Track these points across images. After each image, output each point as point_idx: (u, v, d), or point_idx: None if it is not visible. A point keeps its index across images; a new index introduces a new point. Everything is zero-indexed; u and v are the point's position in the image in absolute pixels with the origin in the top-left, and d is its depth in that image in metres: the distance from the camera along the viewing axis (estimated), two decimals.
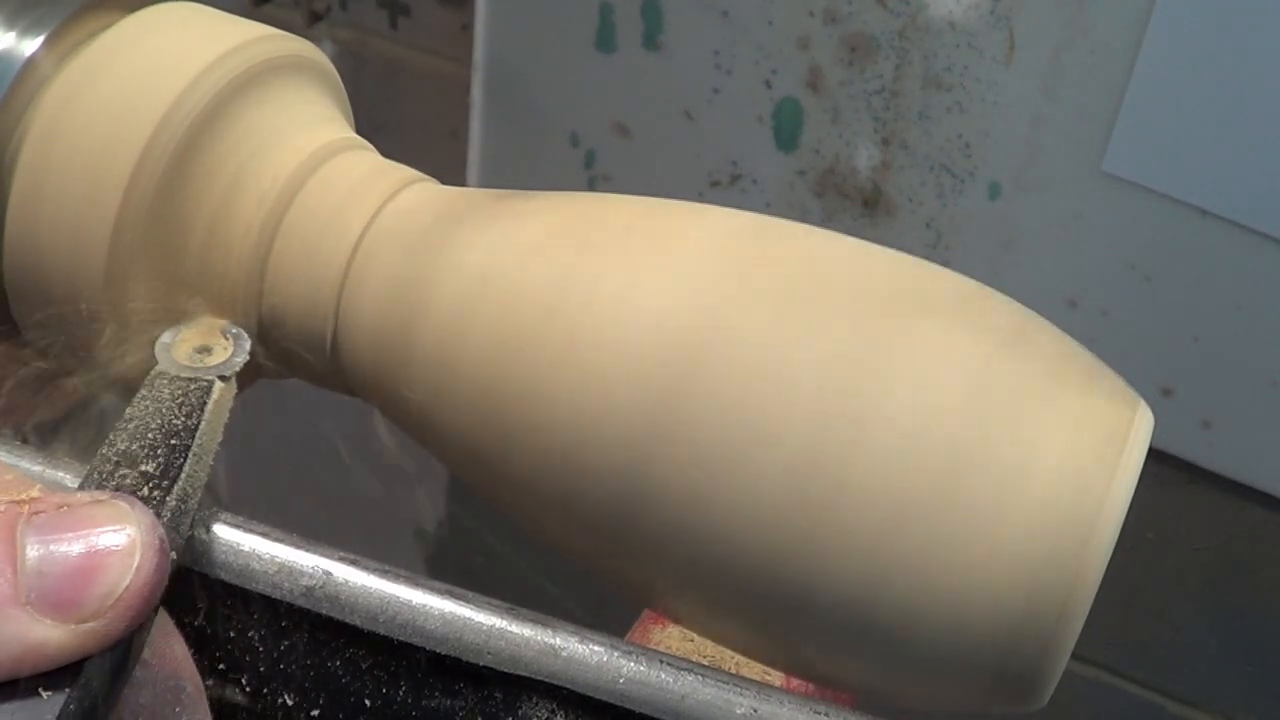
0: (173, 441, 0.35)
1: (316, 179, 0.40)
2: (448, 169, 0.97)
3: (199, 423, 0.35)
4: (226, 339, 0.39)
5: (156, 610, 0.30)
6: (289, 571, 0.35)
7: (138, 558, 0.29)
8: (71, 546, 0.28)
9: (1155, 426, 0.35)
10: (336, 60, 0.44)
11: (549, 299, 0.37)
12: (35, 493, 0.29)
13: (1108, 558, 0.33)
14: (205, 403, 0.36)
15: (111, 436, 0.35)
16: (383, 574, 0.36)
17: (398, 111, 1.09)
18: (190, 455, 0.34)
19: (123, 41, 0.40)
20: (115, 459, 0.34)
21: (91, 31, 0.40)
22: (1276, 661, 0.95)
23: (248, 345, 0.39)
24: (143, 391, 0.36)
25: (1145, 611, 0.97)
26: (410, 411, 0.39)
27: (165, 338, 0.39)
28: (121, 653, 0.29)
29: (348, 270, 0.39)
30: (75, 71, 0.39)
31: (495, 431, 0.37)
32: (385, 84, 1.09)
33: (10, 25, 0.39)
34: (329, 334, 0.40)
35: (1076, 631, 0.34)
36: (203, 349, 0.39)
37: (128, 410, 0.36)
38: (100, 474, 0.33)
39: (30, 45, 0.39)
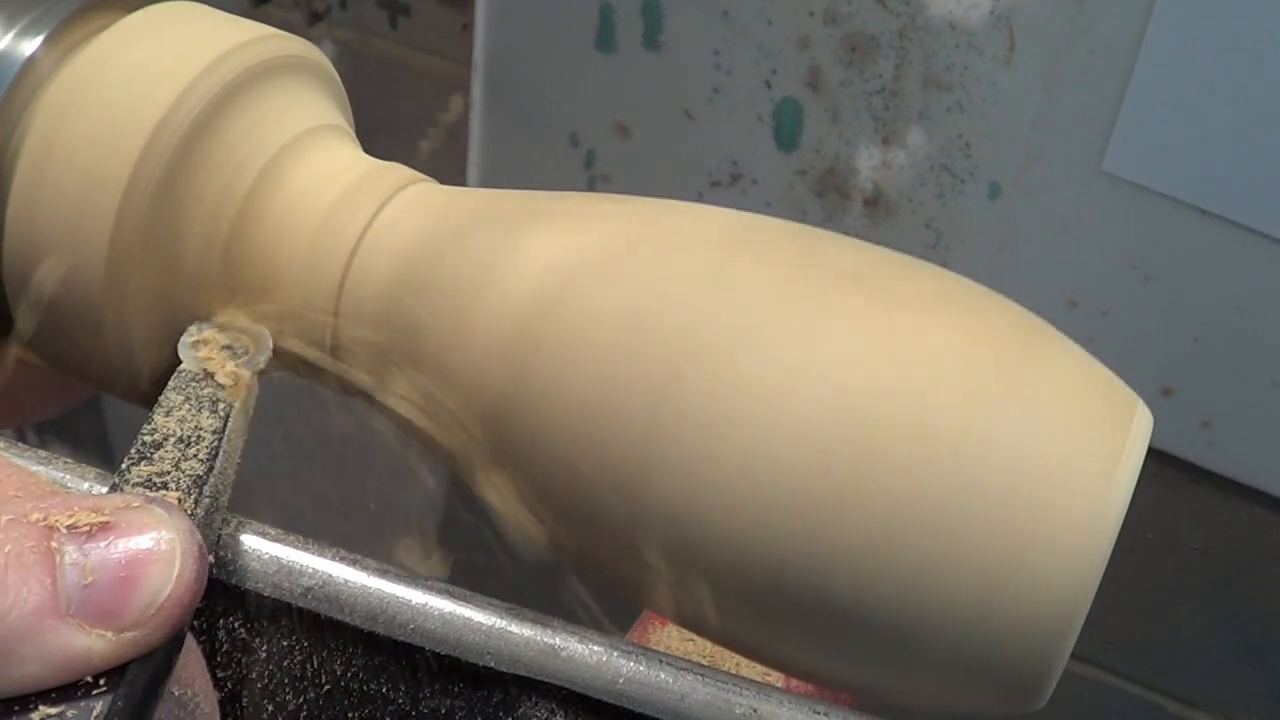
0: (202, 441, 0.34)
1: (315, 180, 0.40)
2: (448, 169, 0.97)
3: (226, 421, 0.35)
4: (247, 337, 0.39)
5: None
6: (289, 571, 0.35)
7: (178, 565, 0.28)
8: (110, 555, 0.28)
9: (1155, 426, 0.35)
10: (336, 60, 0.44)
11: (550, 299, 0.37)
12: (68, 498, 0.29)
13: (1108, 558, 0.33)
14: (232, 401, 0.36)
15: (139, 437, 0.34)
16: (383, 574, 0.36)
17: (398, 111, 1.09)
18: (221, 454, 0.34)
19: (123, 41, 0.40)
20: (144, 460, 0.33)
21: (91, 31, 0.40)
22: (1276, 661, 0.95)
23: (270, 343, 0.39)
24: (167, 391, 0.36)
25: (1145, 611, 0.97)
26: (410, 412, 0.39)
27: (187, 337, 0.39)
28: (164, 654, 0.29)
29: (347, 270, 0.39)
30: (75, 71, 0.39)
31: (495, 432, 0.37)
32: (385, 84, 1.09)
33: (10, 24, 0.39)
34: (328, 334, 0.40)
35: (1076, 631, 0.34)
36: (225, 348, 0.39)
37: (154, 409, 0.35)
38: (131, 476, 0.33)
39: (30, 45, 0.39)
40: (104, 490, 0.35)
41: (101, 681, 0.28)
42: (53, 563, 0.27)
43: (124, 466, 0.33)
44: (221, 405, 0.36)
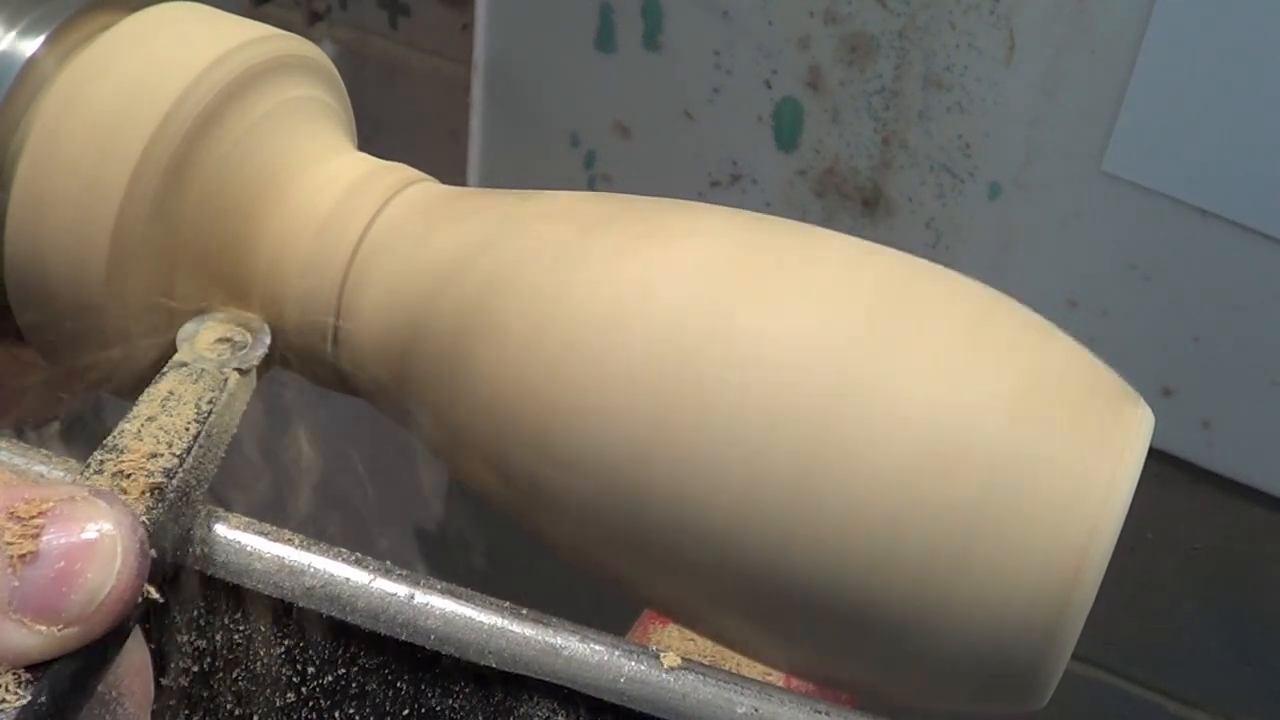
0: (182, 430, 0.34)
1: (316, 179, 0.40)
2: (448, 169, 0.97)
3: (209, 414, 0.35)
4: (249, 331, 0.39)
5: (139, 608, 0.30)
6: (290, 571, 0.35)
7: (119, 561, 0.28)
8: (51, 549, 0.27)
9: (1155, 426, 0.35)
10: (336, 60, 0.44)
11: (551, 299, 0.37)
12: (14, 489, 0.28)
13: (1108, 558, 0.33)
14: (219, 394, 0.36)
15: (120, 424, 0.34)
16: (383, 574, 0.36)
17: (398, 111, 1.09)
18: (196, 445, 0.34)
19: (123, 41, 0.40)
20: (117, 449, 0.33)
21: (91, 31, 0.40)
22: (1276, 661, 0.95)
23: (268, 340, 0.39)
24: (159, 379, 0.36)
25: (1145, 611, 0.97)
26: (411, 411, 0.39)
27: (189, 327, 0.38)
28: (100, 650, 0.29)
29: (348, 270, 0.39)
30: (76, 71, 0.39)
31: (496, 431, 0.37)
32: (385, 84, 1.09)
33: (10, 25, 0.39)
34: (329, 333, 0.40)
35: (1076, 631, 0.34)
36: (224, 340, 0.38)
37: (141, 396, 0.35)
38: (104, 466, 0.33)
39: (31, 45, 0.39)
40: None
41: (25, 674, 0.27)
42: None
43: (96, 455, 0.33)
44: (208, 397, 0.36)
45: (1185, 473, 0.89)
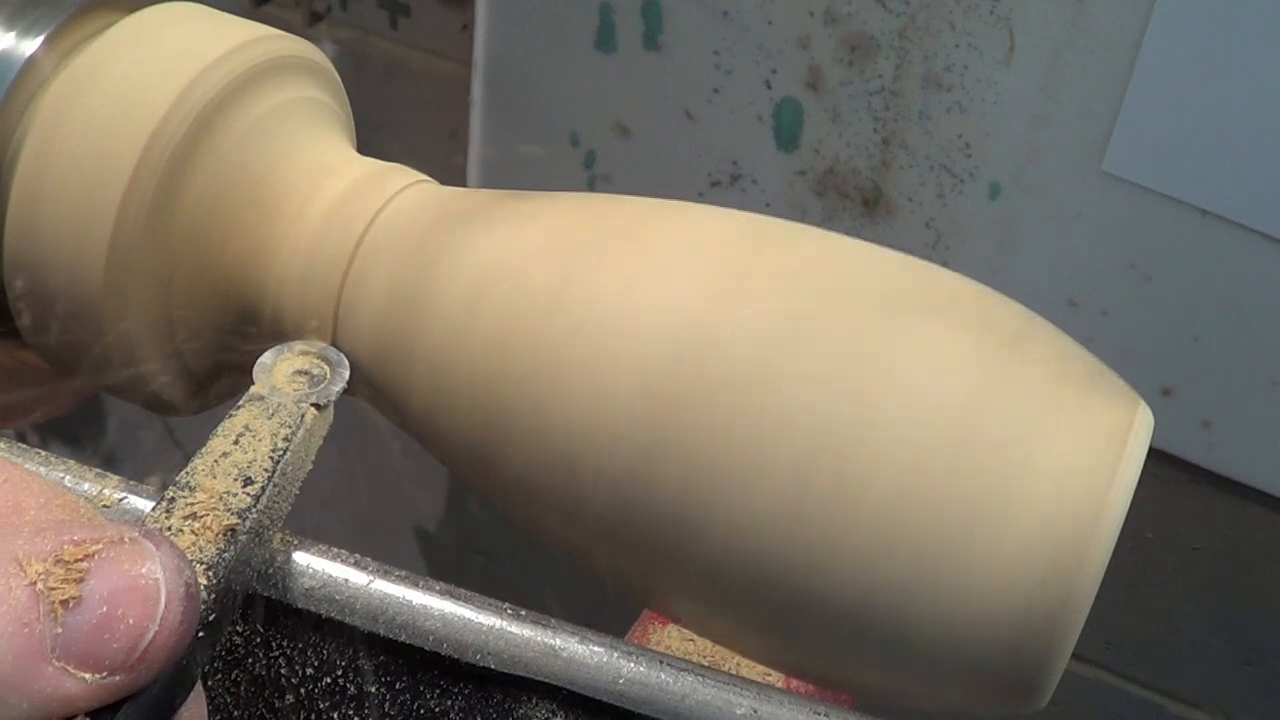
0: (256, 467, 0.33)
1: (315, 180, 0.40)
2: (448, 169, 0.97)
3: (285, 451, 0.34)
4: (327, 365, 0.38)
5: (204, 652, 0.29)
6: (289, 572, 0.35)
7: (162, 606, 0.27)
8: (93, 594, 0.26)
9: (1155, 426, 0.35)
10: (336, 60, 0.44)
11: (550, 300, 0.37)
12: (64, 527, 0.28)
13: (1108, 558, 0.33)
14: (296, 431, 0.35)
15: (192, 460, 0.33)
16: (383, 574, 0.36)
17: (398, 111, 1.09)
18: (271, 484, 0.33)
19: (123, 41, 0.40)
20: (189, 486, 0.32)
21: (91, 31, 0.40)
22: (1276, 661, 0.95)
23: (346, 373, 0.38)
24: (234, 413, 0.35)
25: (1145, 611, 0.97)
26: (410, 412, 0.39)
27: (266, 358, 0.37)
28: (165, 696, 0.28)
29: (347, 271, 0.39)
30: (75, 72, 0.39)
31: (495, 432, 0.37)
32: (385, 84, 1.09)
33: (10, 25, 0.39)
34: (329, 335, 0.40)
35: (1076, 631, 0.34)
36: (301, 373, 0.37)
37: (215, 431, 0.34)
38: (172, 499, 0.32)
39: (30, 45, 0.39)
40: (147, 506, 0.35)
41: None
42: (37, 606, 0.26)
43: (167, 492, 0.32)
44: (284, 434, 0.35)
45: (1185, 473, 0.90)
